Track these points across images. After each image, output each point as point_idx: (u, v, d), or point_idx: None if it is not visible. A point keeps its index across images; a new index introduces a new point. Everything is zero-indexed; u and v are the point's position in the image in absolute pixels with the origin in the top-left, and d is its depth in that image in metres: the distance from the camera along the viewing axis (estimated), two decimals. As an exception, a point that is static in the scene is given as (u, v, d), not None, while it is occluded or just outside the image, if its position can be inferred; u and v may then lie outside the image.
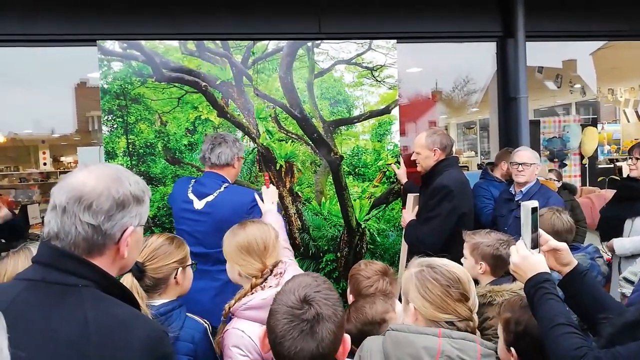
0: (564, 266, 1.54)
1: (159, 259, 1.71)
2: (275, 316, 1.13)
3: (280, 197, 3.29)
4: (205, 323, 1.78)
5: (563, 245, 1.54)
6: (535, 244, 1.52)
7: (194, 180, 2.67)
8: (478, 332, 1.51)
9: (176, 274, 1.74)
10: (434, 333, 1.39)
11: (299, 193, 3.34)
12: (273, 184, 3.07)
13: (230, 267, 1.85)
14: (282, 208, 3.28)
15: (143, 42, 3.13)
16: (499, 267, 2.19)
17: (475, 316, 1.45)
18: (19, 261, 1.79)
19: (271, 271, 1.79)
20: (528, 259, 1.49)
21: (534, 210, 1.51)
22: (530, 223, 1.50)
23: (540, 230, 1.55)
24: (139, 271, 1.64)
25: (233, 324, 1.70)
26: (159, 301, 1.69)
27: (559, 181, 4.34)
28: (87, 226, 1.03)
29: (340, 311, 1.15)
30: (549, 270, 1.48)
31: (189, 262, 1.83)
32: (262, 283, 1.75)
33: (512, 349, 1.53)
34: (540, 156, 3.98)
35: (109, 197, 1.04)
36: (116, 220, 1.05)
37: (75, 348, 0.94)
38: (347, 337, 1.19)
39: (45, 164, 8.12)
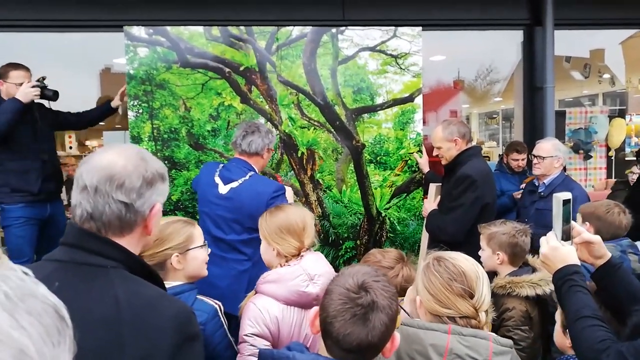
0: (597, 259, 1.52)
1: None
2: (330, 295, 1.12)
3: (301, 184, 3.31)
4: (217, 304, 1.78)
5: (596, 238, 1.53)
6: (567, 236, 1.51)
7: (221, 165, 2.71)
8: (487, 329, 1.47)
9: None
10: (444, 330, 1.34)
11: (320, 180, 3.35)
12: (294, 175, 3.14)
13: (266, 247, 1.89)
14: (303, 195, 3.31)
15: (169, 28, 3.15)
16: (517, 255, 2.18)
17: (482, 315, 1.39)
18: None
19: (307, 249, 1.86)
20: (558, 250, 1.47)
21: (566, 202, 1.50)
22: (561, 215, 1.49)
23: (573, 223, 1.54)
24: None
25: (252, 298, 1.81)
26: (168, 284, 1.64)
27: None
28: (121, 204, 1.05)
29: (395, 305, 1.13)
30: (578, 263, 1.46)
31: (194, 245, 1.76)
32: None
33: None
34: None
35: (139, 176, 1.07)
36: (146, 198, 1.08)
37: (109, 327, 0.96)
38: (397, 335, 1.15)
39: (70, 147, 8.29)
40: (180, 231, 1.74)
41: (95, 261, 1.03)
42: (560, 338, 1.61)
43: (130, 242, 1.08)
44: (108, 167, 1.05)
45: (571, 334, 1.36)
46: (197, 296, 1.77)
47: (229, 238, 2.50)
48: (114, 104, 3.45)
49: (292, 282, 1.76)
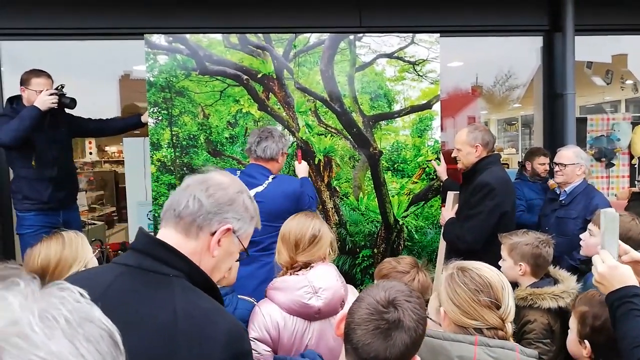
0: None
1: None
2: (359, 302, 1.13)
3: (318, 191, 3.30)
4: (254, 302, 1.87)
5: None
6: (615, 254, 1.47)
7: (239, 171, 2.73)
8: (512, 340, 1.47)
9: None
10: (470, 341, 1.33)
11: (337, 188, 3.34)
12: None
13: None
14: (320, 202, 3.30)
15: (188, 36, 3.19)
16: (540, 267, 2.14)
17: (508, 325, 1.38)
18: (51, 246, 1.77)
19: (301, 268, 1.84)
20: (617, 269, 1.42)
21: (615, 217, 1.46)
22: (617, 231, 1.44)
23: (619, 240, 1.49)
24: None
25: (259, 302, 1.85)
26: None
27: None
28: (197, 202, 1.11)
29: (421, 330, 1.12)
30: (637, 284, 1.41)
31: None
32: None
33: (586, 342, 1.52)
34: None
35: (225, 191, 1.15)
36: (221, 211, 1.13)
37: (166, 334, 0.98)
38: (418, 358, 1.14)
39: (91, 153, 8.44)
40: None
41: (160, 269, 1.06)
42: (576, 347, 1.58)
43: (193, 252, 1.11)
44: (208, 177, 1.17)
45: None
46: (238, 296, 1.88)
47: (258, 238, 2.51)
48: (144, 119, 3.35)
49: (297, 292, 1.76)
